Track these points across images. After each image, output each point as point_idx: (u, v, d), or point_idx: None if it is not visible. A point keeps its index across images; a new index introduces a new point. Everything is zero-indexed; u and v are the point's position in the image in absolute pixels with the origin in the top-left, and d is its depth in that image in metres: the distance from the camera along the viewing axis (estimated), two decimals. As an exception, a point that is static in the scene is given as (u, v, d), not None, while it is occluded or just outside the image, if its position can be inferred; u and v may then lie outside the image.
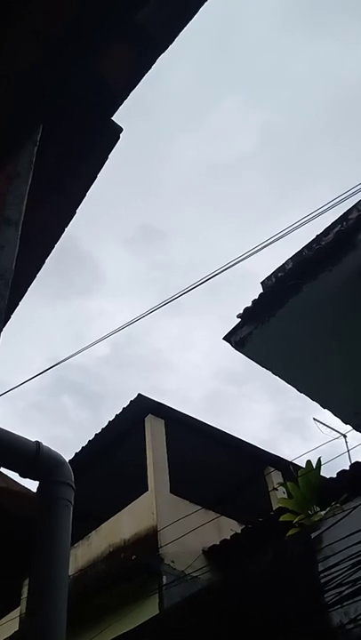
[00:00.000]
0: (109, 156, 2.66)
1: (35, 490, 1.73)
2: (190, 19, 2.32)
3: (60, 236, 2.78)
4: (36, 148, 2.28)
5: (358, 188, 5.22)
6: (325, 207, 5.37)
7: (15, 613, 9.84)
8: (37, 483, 1.69)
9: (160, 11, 2.30)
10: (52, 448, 1.70)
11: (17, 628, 9.54)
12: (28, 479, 1.72)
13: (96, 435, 11.43)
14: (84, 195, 2.72)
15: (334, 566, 3.60)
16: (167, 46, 2.41)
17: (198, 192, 36.14)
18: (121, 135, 2.67)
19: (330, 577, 3.62)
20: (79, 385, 36.73)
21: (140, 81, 2.50)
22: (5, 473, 1.82)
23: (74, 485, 1.70)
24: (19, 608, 9.77)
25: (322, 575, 3.66)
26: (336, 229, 5.07)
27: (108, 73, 2.45)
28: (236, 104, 31.81)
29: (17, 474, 1.70)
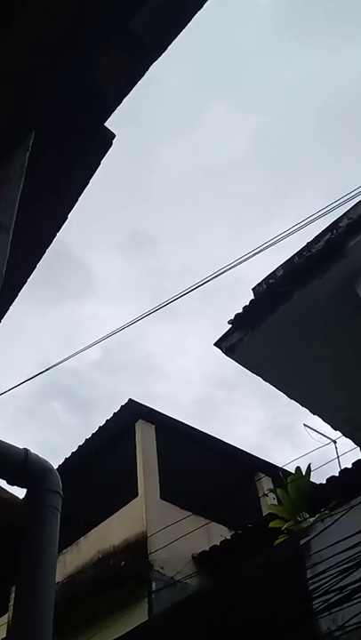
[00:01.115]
0: (101, 162, 2.66)
1: (22, 496, 1.72)
2: (184, 26, 2.34)
3: (52, 240, 2.78)
4: (28, 153, 2.28)
5: (349, 195, 5.26)
6: (317, 215, 5.41)
7: (3, 620, 9.76)
8: (25, 490, 1.68)
9: (154, 17, 2.31)
10: (40, 455, 1.69)
11: (4, 635, 9.46)
12: (15, 486, 1.71)
13: (86, 440, 11.40)
14: (77, 199, 2.72)
15: (323, 573, 3.61)
16: (161, 53, 2.42)
17: (190, 197, 36.24)
18: (113, 141, 2.68)
19: (318, 584, 3.62)
20: (70, 389, 36.60)
21: (133, 87, 2.51)
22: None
23: (62, 493, 1.69)
24: (7, 615, 9.69)
25: (310, 582, 3.67)
26: (326, 237, 5.11)
27: (101, 79, 2.46)
28: (228, 110, 31.98)
29: (4, 481, 1.69)
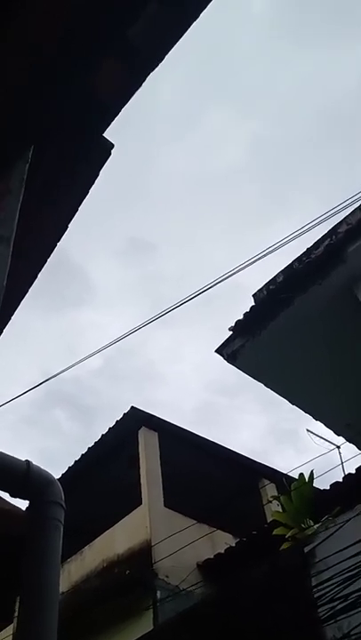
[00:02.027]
0: (100, 172, 2.68)
1: (25, 508, 1.72)
2: (181, 36, 2.36)
3: (52, 251, 2.80)
4: (27, 165, 2.29)
5: (348, 201, 5.27)
6: (316, 221, 5.42)
7: (8, 631, 9.71)
8: (27, 502, 1.68)
9: (151, 27, 2.33)
10: (42, 466, 1.69)
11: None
12: (18, 499, 1.71)
13: (89, 448, 11.37)
14: (76, 210, 2.73)
15: (327, 580, 3.59)
16: (159, 63, 2.44)
17: (188, 203, 36.34)
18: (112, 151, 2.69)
19: (324, 591, 3.61)
20: (72, 397, 36.57)
21: (131, 97, 2.53)
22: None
23: (64, 505, 1.69)
24: (11, 626, 9.65)
25: (315, 589, 3.65)
26: (326, 243, 5.12)
27: (99, 89, 2.47)
28: (226, 115, 32.10)
29: (7, 494, 1.69)
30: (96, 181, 2.71)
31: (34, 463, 1.68)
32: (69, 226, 2.82)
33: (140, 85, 2.45)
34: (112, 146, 2.65)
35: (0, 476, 1.64)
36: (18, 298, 2.98)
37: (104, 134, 2.60)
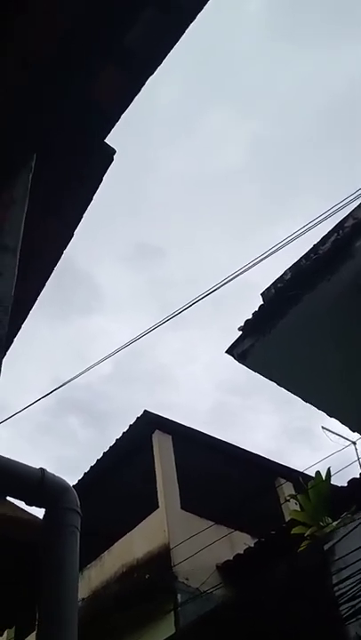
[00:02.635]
0: (103, 178, 2.69)
1: (41, 517, 1.72)
2: (178, 39, 2.36)
3: (59, 259, 2.80)
4: (31, 175, 2.30)
5: (354, 196, 5.25)
6: (322, 217, 5.40)
7: (31, 638, 9.74)
8: (43, 510, 1.69)
9: (148, 32, 2.33)
10: (57, 474, 1.69)
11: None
12: (34, 507, 1.71)
13: (104, 453, 11.39)
14: (81, 217, 2.74)
15: (348, 578, 3.57)
16: (157, 67, 2.44)
17: (191, 206, 36.33)
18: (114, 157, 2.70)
19: (345, 589, 3.58)
20: (84, 404, 36.64)
21: (131, 102, 2.54)
22: (12, 501, 1.82)
23: (80, 511, 1.69)
24: (32, 634, 9.67)
25: (336, 587, 3.63)
26: (333, 238, 5.09)
27: (99, 96, 2.48)
28: (225, 116, 32.07)
29: (23, 502, 1.69)
30: (99, 188, 2.72)
31: (48, 471, 1.69)
32: (75, 233, 2.83)
33: (140, 90, 2.46)
34: (114, 151, 2.66)
35: (15, 484, 1.66)
36: (27, 307, 2.99)
37: (105, 140, 2.61)
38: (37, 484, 1.64)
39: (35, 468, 1.68)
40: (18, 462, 1.68)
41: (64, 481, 1.71)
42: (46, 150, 2.38)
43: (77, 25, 2.14)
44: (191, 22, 2.29)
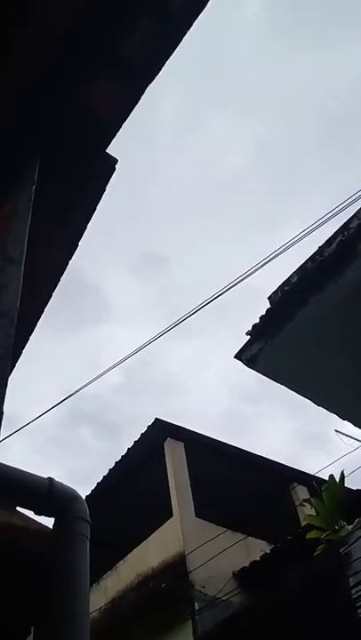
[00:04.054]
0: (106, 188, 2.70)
1: (50, 526, 1.73)
2: (176, 46, 2.38)
3: (64, 270, 2.82)
4: (34, 186, 2.32)
5: (358, 195, 5.24)
6: (325, 218, 5.39)
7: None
8: (52, 519, 1.69)
9: (145, 41, 2.35)
10: (65, 483, 1.70)
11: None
12: (42, 516, 1.72)
13: (116, 463, 11.38)
14: (85, 228, 2.76)
15: (365, 581, 3.54)
16: (155, 76, 2.46)
17: (196, 213, 36.39)
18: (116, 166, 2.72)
19: (362, 592, 3.55)
20: (95, 415, 36.63)
21: (131, 112, 2.55)
22: (21, 511, 1.83)
23: (89, 520, 1.69)
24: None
25: (353, 590, 3.59)
26: (338, 239, 5.08)
27: (99, 106, 2.50)
28: (227, 121, 32.14)
29: (32, 512, 1.70)
30: (102, 198, 2.74)
31: (56, 480, 1.69)
32: (80, 244, 2.85)
33: (139, 99, 2.47)
34: (116, 161, 2.68)
35: (24, 494, 1.66)
36: (33, 319, 3.00)
37: (107, 150, 2.62)
38: (46, 494, 1.64)
39: (43, 478, 1.69)
40: (26, 472, 1.69)
41: (73, 490, 1.72)
42: (48, 161, 2.40)
43: (75, 36, 2.16)
44: (188, 30, 2.31)
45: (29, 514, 1.77)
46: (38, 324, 3.10)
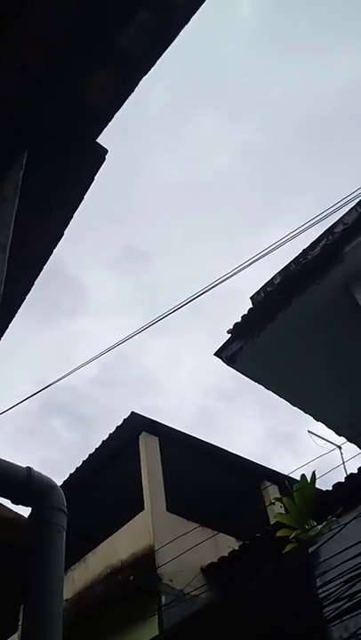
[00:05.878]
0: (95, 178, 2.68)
1: (26, 515, 1.71)
2: (171, 42, 2.37)
3: (49, 257, 2.80)
4: (22, 172, 2.30)
5: (343, 201, 5.29)
6: (309, 223, 5.43)
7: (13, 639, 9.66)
8: (29, 508, 1.68)
9: (142, 34, 2.34)
10: (43, 473, 1.69)
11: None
12: (20, 505, 1.71)
13: (90, 455, 11.35)
14: (71, 216, 2.74)
15: (332, 581, 3.59)
16: (149, 69, 2.45)
17: (179, 211, 36.39)
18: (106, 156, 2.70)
19: (328, 592, 3.60)
20: (69, 407, 36.48)
21: (123, 103, 2.54)
22: (-1, 500, 1.81)
23: (66, 510, 1.69)
24: (16, 634, 9.60)
25: (320, 590, 3.64)
26: (322, 243, 5.12)
27: (91, 97, 2.48)
28: (215, 122, 32.15)
29: (9, 501, 1.68)
30: (90, 187, 2.72)
31: (35, 469, 1.68)
32: (64, 233, 2.83)
33: (132, 91, 2.46)
34: (106, 151, 2.66)
35: (1, 483, 1.64)
36: (15, 306, 2.97)
37: (97, 140, 2.61)
38: (24, 483, 1.63)
39: (21, 467, 1.67)
40: (4, 460, 1.67)
41: (51, 480, 1.70)
42: (37, 148, 2.38)
43: (71, 27, 2.14)
44: (186, 24, 2.30)
45: (6, 503, 1.76)
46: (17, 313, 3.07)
